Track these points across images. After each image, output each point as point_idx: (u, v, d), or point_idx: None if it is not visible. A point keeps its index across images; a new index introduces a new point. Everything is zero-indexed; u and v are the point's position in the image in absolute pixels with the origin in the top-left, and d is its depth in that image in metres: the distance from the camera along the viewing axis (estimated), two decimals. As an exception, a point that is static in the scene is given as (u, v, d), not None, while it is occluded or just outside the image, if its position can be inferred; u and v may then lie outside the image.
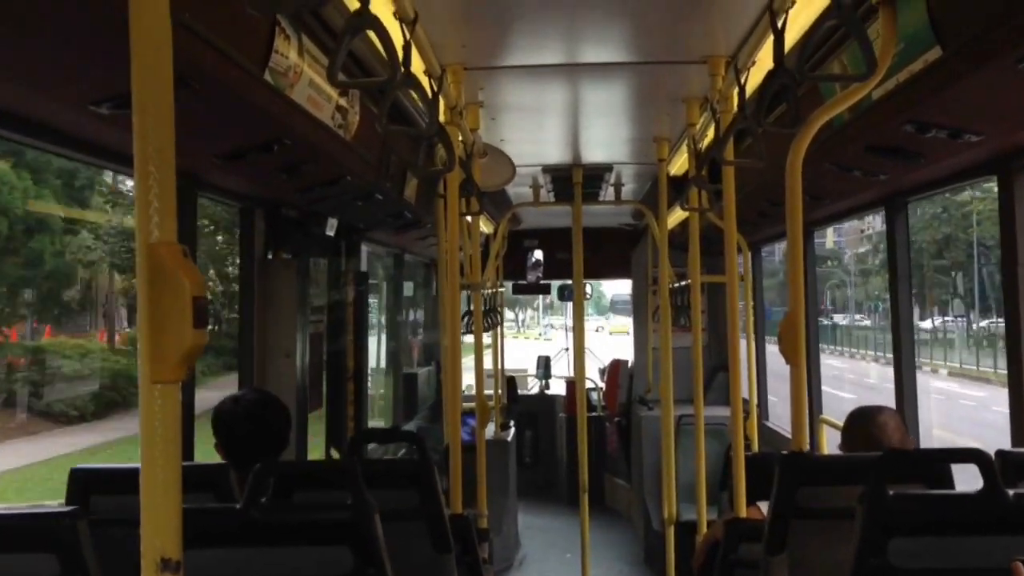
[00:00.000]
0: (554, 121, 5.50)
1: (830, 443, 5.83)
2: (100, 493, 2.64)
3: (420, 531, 2.99)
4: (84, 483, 2.66)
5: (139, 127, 1.18)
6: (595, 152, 6.41)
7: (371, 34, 2.32)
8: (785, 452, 2.88)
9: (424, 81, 3.40)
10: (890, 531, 2.00)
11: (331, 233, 5.23)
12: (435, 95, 3.41)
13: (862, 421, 3.18)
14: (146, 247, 1.16)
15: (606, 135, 5.99)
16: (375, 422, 8.15)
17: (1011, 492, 1.99)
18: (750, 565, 3.28)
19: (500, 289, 9.11)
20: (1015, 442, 3.52)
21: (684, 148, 5.15)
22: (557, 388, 11.84)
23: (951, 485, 2.60)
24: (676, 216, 6.73)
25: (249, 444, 3.06)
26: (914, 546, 2.00)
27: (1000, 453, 2.65)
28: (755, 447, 6.38)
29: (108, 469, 2.79)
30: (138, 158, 1.17)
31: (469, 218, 5.22)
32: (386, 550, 2.21)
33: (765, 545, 2.83)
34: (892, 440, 3.16)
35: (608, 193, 7.79)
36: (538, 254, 10.72)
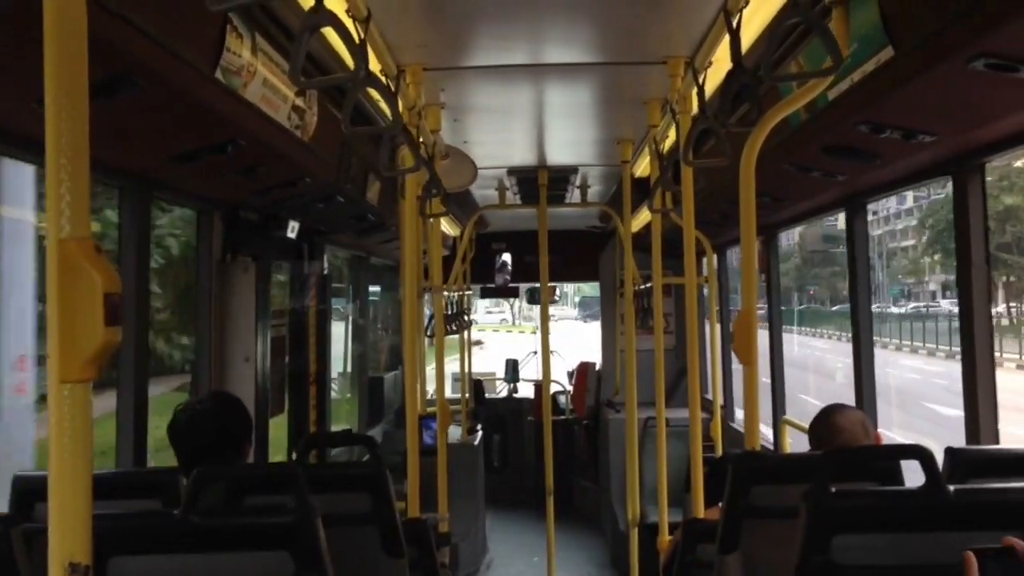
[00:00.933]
0: (518, 123, 5.48)
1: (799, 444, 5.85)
2: (45, 500, 2.59)
3: (372, 536, 2.96)
4: (28, 490, 2.60)
5: (50, 118, 1.14)
6: (560, 154, 6.40)
7: (326, 33, 2.29)
8: (738, 453, 2.88)
9: (384, 81, 3.37)
10: (833, 528, 1.99)
11: (292, 236, 5.19)
12: (394, 95, 3.39)
13: (825, 420, 3.19)
14: (56, 242, 1.13)
15: (571, 137, 5.98)
16: (341, 426, 8.09)
17: (952, 488, 1.99)
18: (708, 565, 3.28)
19: (467, 292, 9.08)
20: (969, 439, 3.54)
21: (647, 150, 5.14)
22: (526, 391, 11.82)
23: (900, 482, 2.61)
24: (641, 218, 6.74)
25: (205, 450, 3.01)
26: (857, 543, 2.00)
27: (949, 451, 2.65)
28: (719, 449, 6.39)
29: None
30: (49, 150, 1.14)
31: (432, 220, 5.19)
32: (330, 555, 2.18)
33: (718, 544, 2.83)
34: (857, 438, 3.16)
35: (574, 195, 7.78)
36: (506, 257, 10.70)
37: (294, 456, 5.78)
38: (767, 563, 2.79)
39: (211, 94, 2.87)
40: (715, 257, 7.10)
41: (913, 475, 2.59)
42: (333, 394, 7.74)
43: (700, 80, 3.46)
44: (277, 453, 5.93)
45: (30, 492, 2.59)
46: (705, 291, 7.37)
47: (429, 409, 5.97)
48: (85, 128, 1.16)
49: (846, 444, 3.09)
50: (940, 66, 2.51)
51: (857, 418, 3.25)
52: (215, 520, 2.07)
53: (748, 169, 2.91)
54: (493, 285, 10.92)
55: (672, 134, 4.50)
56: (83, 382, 1.14)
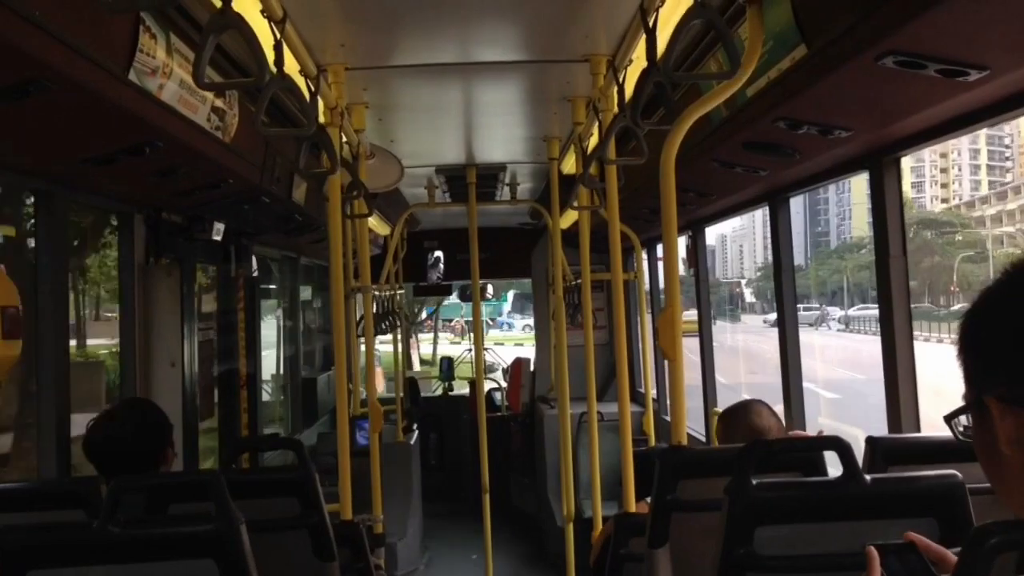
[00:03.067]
0: (445, 121, 5.46)
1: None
2: None
3: (302, 540, 2.94)
4: None
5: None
6: (489, 152, 6.40)
7: (247, 33, 2.26)
8: (664, 447, 2.91)
9: (301, 81, 3.34)
10: (755, 520, 2.03)
11: (218, 238, 5.11)
12: (313, 95, 3.35)
13: (737, 415, 3.25)
14: (-50, 254, 1.10)
15: (499, 135, 5.98)
16: (274, 429, 8.01)
17: (869, 477, 2.04)
18: (639, 559, 3.31)
19: (399, 291, 9.04)
20: (891, 428, 3.63)
21: (573, 147, 5.17)
22: (462, 389, 11.82)
23: (823, 472, 2.66)
24: (571, 215, 6.78)
25: (121, 459, 2.97)
26: (780, 533, 2.04)
27: (870, 440, 2.72)
28: (652, 442, 6.46)
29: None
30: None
31: (359, 220, 5.16)
32: (260, 561, 2.16)
33: (648, 538, 2.86)
34: (770, 430, 3.23)
35: (504, 193, 7.80)
36: (438, 254, 10.68)
37: (222, 461, 5.71)
38: (696, 555, 2.82)
39: (125, 96, 2.82)
40: (643, 252, 7.17)
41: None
42: (266, 397, 7.65)
43: (620, 78, 3.50)
44: (208, 459, 5.85)
45: None
46: (635, 286, 7.44)
47: (363, 409, 5.93)
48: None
49: (767, 435, 3.15)
50: (851, 63, 2.56)
51: (769, 410, 3.32)
52: (135, 530, 2.03)
53: (668, 166, 2.95)
54: (426, 283, 10.90)
55: (596, 132, 4.54)
56: (-20, 397, 1.11)
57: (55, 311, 3.68)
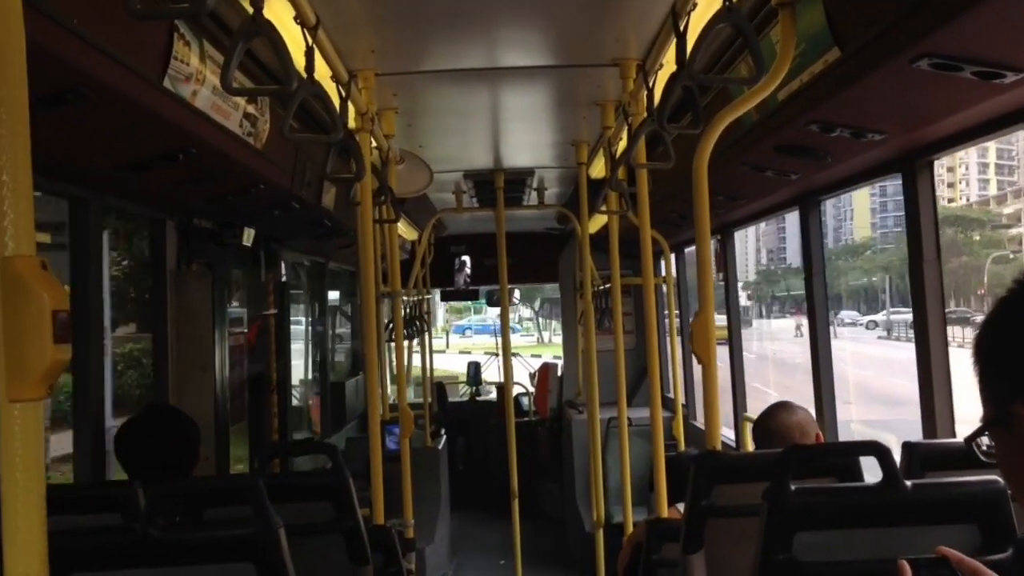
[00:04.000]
0: (474, 126, 5.48)
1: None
2: None
3: (337, 545, 2.95)
4: None
5: (-9, 134, 1.12)
6: (516, 156, 6.41)
7: (278, 40, 2.28)
8: (697, 451, 2.90)
9: (332, 87, 3.36)
10: (794, 525, 2.02)
11: (248, 243, 5.14)
12: (344, 101, 3.37)
13: (770, 418, 3.23)
14: (1, 261, 1.11)
15: (527, 139, 5.99)
16: (302, 434, 8.04)
17: (909, 483, 2.02)
18: (672, 565, 3.29)
19: (427, 296, 9.06)
20: (926, 433, 3.60)
21: (602, 151, 5.17)
22: (489, 393, 11.82)
23: (860, 478, 2.64)
24: (599, 219, 6.77)
25: (150, 464, 3.00)
26: (819, 539, 2.03)
27: (907, 445, 2.70)
28: (681, 447, 6.43)
29: None
30: (-9, 167, 1.12)
31: (388, 225, 5.18)
32: (294, 565, 2.17)
33: (682, 544, 2.85)
34: (807, 434, 3.21)
35: (531, 197, 7.80)
36: (465, 259, 10.70)
37: (256, 466, 5.74)
38: (731, 561, 2.81)
39: (160, 103, 2.84)
40: (672, 257, 7.15)
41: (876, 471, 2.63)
42: (295, 401, 7.69)
43: (650, 83, 3.49)
44: (238, 463, 5.88)
45: None
46: (664, 291, 7.42)
47: (392, 414, 5.94)
48: (27, 144, 1.14)
49: (801, 440, 3.13)
50: (885, 66, 2.55)
51: (801, 416, 3.29)
52: (175, 534, 2.05)
53: (700, 170, 2.94)
54: (453, 288, 10.91)
55: (625, 136, 4.53)
56: (34, 401, 1.12)
57: (89, 316, 3.72)
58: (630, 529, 4.96)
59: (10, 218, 1.11)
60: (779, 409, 3.26)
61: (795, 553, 2.03)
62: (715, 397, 2.90)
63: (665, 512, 3.74)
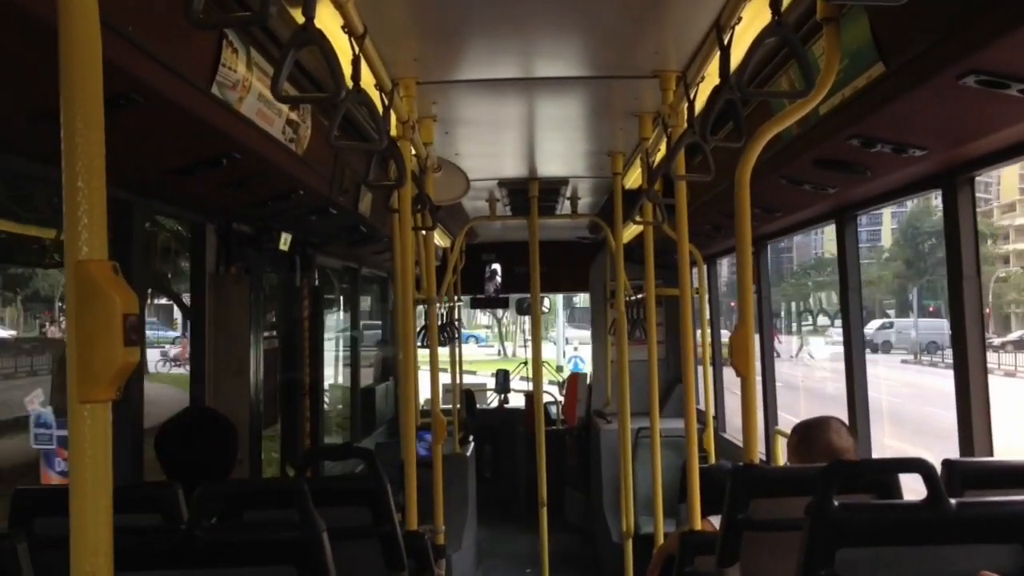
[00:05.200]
0: (510, 135, 5.50)
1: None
2: (45, 515, 2.59)
3: (373, 549, 2.97)
4: (28, 505, 2.60)
5: (67, 142, 1.15)
6: (551, 166, 6.42)
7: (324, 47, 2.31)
8: (737, 464, 2.90)
9: (375, 95, 3.39)
10: (837, 541, 2.01)
11: (284, 248, 5.19)
12: (386, 109, 3.40)
13: (816, 431, 3.21)
14: (75, 264, 1.14)
15: (562, 149, 6.00)
16: (332, 438, 8.08)
17: (953, 501, 2.01)
18: None
19: (458, 303, 9.08)
20: (963, 451, 3.57)
21: (639, 162, 5.17)
22: (516, 401, 11.82)
23: (899, 495, 2.63)
24: (632, 229, 6.77)
25: (190, 465, 3.03)
26: (861, 556, 2.02)
27: (947, 463, 2.68)
28: (712, 459, 6.41)
29: (53, 490, 2.73)
30: (66, 174, 1.15)
31: (424, 232, 5.21)
32: (336, 569, 2.19)
33: (718, 557, 2.84)
34: (847, 451, 3.19)
35: (564, 207, 7.81)
36: (496, 267, 10.72)
37: (288, 468, 5.78)
38: (767, 574, 2.80)
39: (208, 109, 2.89)
40: (705, 268, 7.14)
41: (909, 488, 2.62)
42: (325, 405, 7.73)
43: (691, 95, 3.49)
44: (269, 466, 5.92)
45: (29, 507, 2.58)
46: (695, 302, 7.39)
47: (423, 420, 5.96)
48: (102, 151, 1.17)
49: (836, 455, 3.11)
50: (930, 82, 2.54)
51: (846, 428, 3.27)
52: (222, 534, 2.08)
53: (743, 183, 2.94)
54: (483, 295, 10.94)
55: (663, 147, 4.53)
56: (103, 402, 1.15)
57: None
58: (661, 540, 4.96)
59: (84, 223, 1.14)
60: (829, 428, 3.21)
61: (837, 569, 2.03)
62: (753, 410, 2.90)
63: (698, 524, 3.73)
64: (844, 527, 2.01)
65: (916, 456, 2.09)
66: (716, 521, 3.78)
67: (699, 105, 3.38)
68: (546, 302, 14.12)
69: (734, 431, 8.21)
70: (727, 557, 2.83)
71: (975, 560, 2.00)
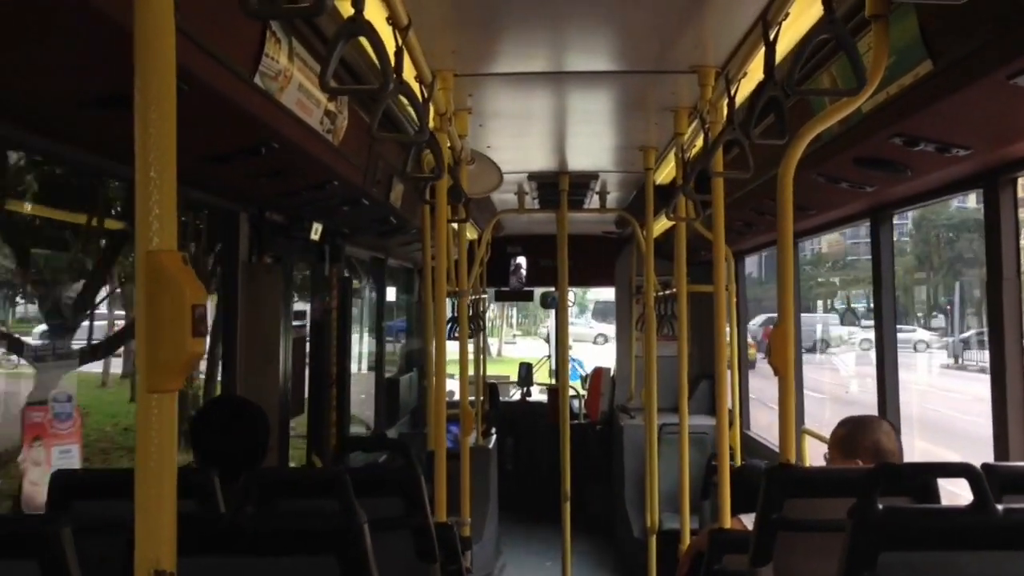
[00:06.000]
0: (541, 128, 5.50)
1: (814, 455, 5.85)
2: (83, 498, 2.61)
3: (405, 539, 2.97)
4: (66, 488, 2.62)
5: (141, 133, 1.16)
6: (581, 160, 6.41)
7: (362, 40, 2.31)
8: (773, 464, 2.88)
9: (414, 87, 3.39)
10: (880, 545, 2.00)
11: (315, 237, 5.20)
12: (425, 101, 3.40)
13: (864, 429, 3.18)
14: (145, 255, 1.14)
15: (593, 143, 5.99)
16: (354, 428, 8.10)
17: (1000, 507, 1.99)
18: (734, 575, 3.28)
19: (483, 296, 9.09)
20: (998, 456, 3.54)
21: (671, 157, 5.15)
22: (539, 395, 11.82)
23: (937, 499, 2.61)
24: (660, 225, 6.75)
25: (226, 453, 3.05)
26: (904, 560, 2.00)
27: (986, 467, 2.65)
28: (737, 457, 6.39)
29: (92, 473, 2.75)
30: (139, 164, 1.16)
31: (455, 224, 5.21)
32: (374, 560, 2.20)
33: (751, 557, 2.83)
34: (894, 453, 3.16)
35: (593, 201, 7.79)
36: (521, 260, 10.71)
37: (313, 458, 5.80)
38: (800, 575, 2.79)
39: (250, 99, 2.89)
40: (734, 265, 7.10)
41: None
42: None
43: (732, 91, 3.47)
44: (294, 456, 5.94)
45: (69, 489, 2.61)
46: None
47: (449, 412, 5.95)
48: (173, 143, 1.17)
49: (880, 456, 3.09)
50: (979, 81, 2.51)
51: (893, 431, 3.25)
52: (264, 523, 2.08)
53: (786, 182, 2.92)
54: (508, 288, 10.93)
55: (699, 142, 4.51)
56: (170, 392, 1.15)
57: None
58: (687, 537, 4.95)
59: (155, 214, 1.14)
60: (879, 429, 3.19)
61: (879, 572, 2.01)
62: (791, 409, 2.88)
63: (728, 522, 3.72)
64: (888, 530, 2.00)
65: (963, 461, 2.08)
66: (745, 519, 3.77)
67: (738, 100, 3.36)
68: (571, 296, 14.10)
69: (757, 429, 8.19)
70: (761, 556, 2.81)
71: (1020, 568, 1.98)
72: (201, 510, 2.65)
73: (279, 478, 2.67)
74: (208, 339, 3.49)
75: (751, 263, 10.09)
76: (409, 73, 3.33)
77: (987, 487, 1.98)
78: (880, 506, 2.01)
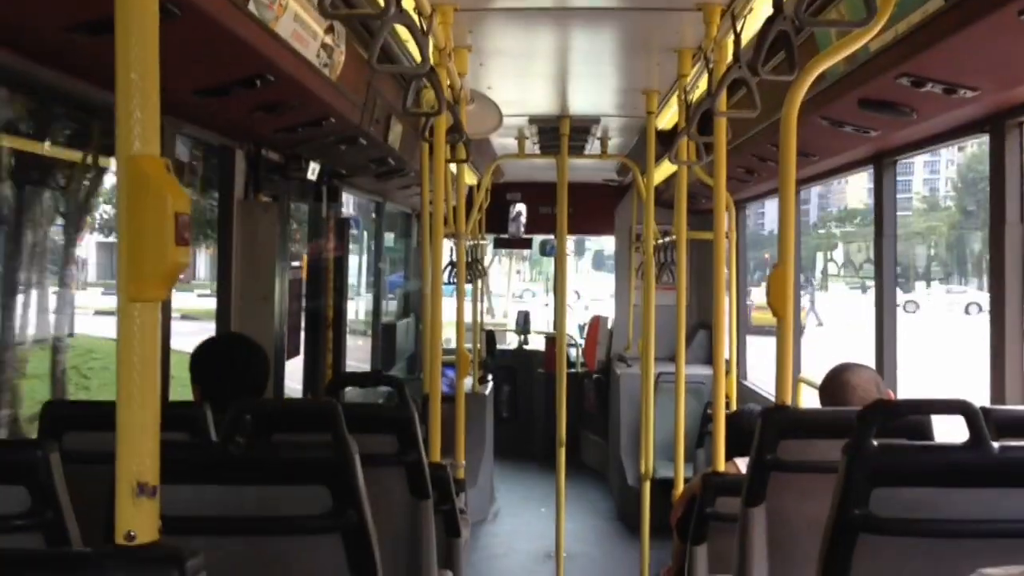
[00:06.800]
0: (542, 69, 5.41)
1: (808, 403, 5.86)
2: (75, 429, 2.59)
3: (398, 477, 2.97)
4: (58, 418, 2.61)
5: (120, 32, 1.11)
6: (583, 103, 6.33)
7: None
8: (768, 406, 2.87)
9: (415, 20, 3.32)
10: (874, 481, 1.99)
11: (312, 177, 5.15)
12: (424, 34, 3.33)
13: (838, 378, 3.19)
14: (127, 160, 1.11)
15: (594, 86, 5.91)
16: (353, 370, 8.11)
17: (996, 445, 1.98)
18: (725, 518, 3.29)
19: (483, 241, 9.04)
20: (994, 399, 3.54)
21: (673, 101, 5.08)
22: (536, 343, 11.83)
23: (931, 438, 2.60)
24: (662, 171, 6.68)
25: (226, 386, 3.04)
26: (897, 496, 2.00)
27: (984, 409, 2.64)
28: (733, 405, 6.39)
29: (84, 404, 2.74)
30: (119, 65, 1.11)
31: (454, 166, 5.15)
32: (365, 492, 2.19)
33: (744, 496, 2.83)
34: (870, 395, 3.16)
35: (594, 146, 7.71)
36: (520, 207, 10.66)
37: (309, 398, 5.80)
38: (792, 516, 2.79)
39: (244, 27, 2.83)
40: (735, 212, 7.06)
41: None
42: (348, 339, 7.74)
43: (738, 28, 3.40)
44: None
45: (61, 419, 2.59)
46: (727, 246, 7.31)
47: (445, 357, 5.94)
48: (155, 43, 1.13)
49: (860, 402, 3.09)
50: (990, 17, 2.46)
51: (869, 376, 3.25)
52: (255, 452, 2.07)
53: (789, 121, 2.87)
54: (507, 235, 10.89)
55: (702, 84, 4.44)
56: (152, 301, 1.12)
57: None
58: (680, 483, 4.96)
59: (136, 117, 1.10)
60: (845, 368, 3.21)
61: (872, 509, 2.01)
62: (788, 352, 2.86)
63: (722, 466, 3.72)
64: (882, 466, 1.99)
65: (959, 399, 2.06)
66: (740, 463, 3.77)
67: (744, 40, 3.30)
68: (570, 244, 14.06)
69: (755, 379, 8.21)
70: (754, 497, 2.82)
71: (1015, 505, 1.97)
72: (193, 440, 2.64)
73: (271, 409, 2.65)
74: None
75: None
76: (407, 6, 3.26)
77: (983, 424, 1.97)
78: (875, 442, 2.00)
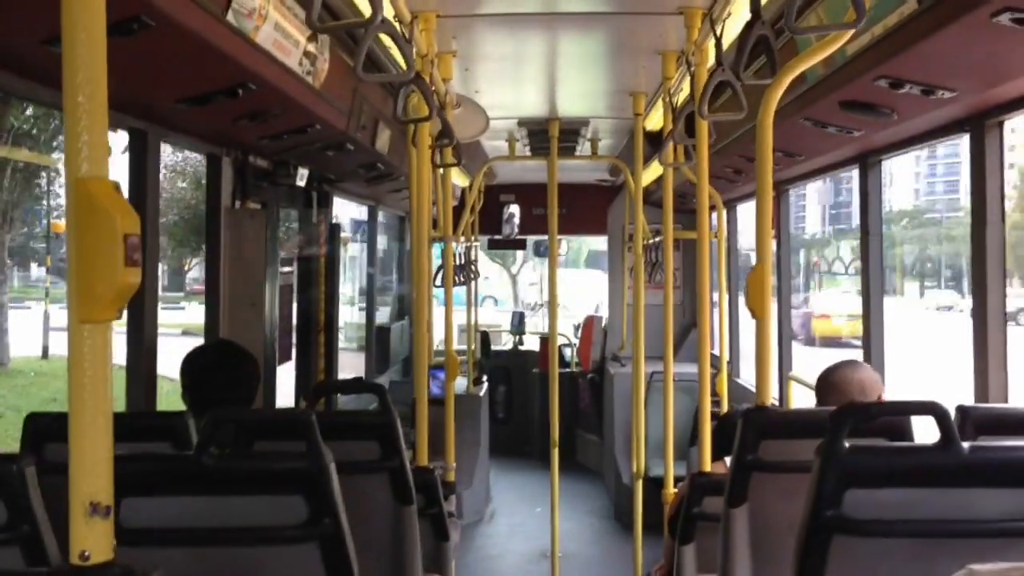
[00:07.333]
0: (530, 73, 5.43)
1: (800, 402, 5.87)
2: (56, 441, 2.60)
3: (381, 483, 2.98)
4: (39, 430, 2.61)
5: (68, 54, 1.12)
6: (572, 106, 6.34)
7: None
8: (749, 406, 2.88)
9: (398, 28, 3.33)
10: (846, 482, 2.00)
11: (301, 183, 5.16)
12: (407, 43, 3.34)
13: (832, 372, 3.20)
14: (76, 182, 1.12)
15: (583, 88, 5.92)
16: (347, 376, 8.13)
17: (966, 445, 1.99)
18: (713, 518, 3.30)
19: (475, 243, 9.05)
20: (978, 398, 3.55)
21: (660, 103, 5.10)
22: (531, 343, 11.84)
23: (911, 438, 2.61)
24: (651, 172, 6.70)
25: (216, 394, 3.05)
26: (871, 498, 2.01)
27: (960, 408, 2.65)
28: (725, 404, 6.40)
29: (65, 417, 2.74)
30: (67, 88, 1.12)
31: (443, 170, 5.16)
32: (344, 502, 2.19)
33: (726, 497, 2.85)
34: (852, 396, 3.17)
35: (584, 148, 7.72)
36: (513, 209, 10.67)
37: (300, 403, 5.82)
38: (774, 516, 2.80)
39: (223, 37, 2.84)
40: (724, 212, 7.07)
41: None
42: (341, 343, 7.75)
43: (718, 32, 3.42)
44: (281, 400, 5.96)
45: (42, 432, 2.60)
46: (715, 246, 7.33)
47: (437, 359, 5.96)
48: (103, 66, 1.14)
49: (842, 401, 3.10)
50: (963, 19, 2.47)
51: (859, 376, 3.25)
52: (229, 462, 2.08)
53: (765, 123, 2.88)
54: (500, 237, 10.90)
55: (686, 87, 4.46)
56: (102, 323, 1.13)
57: (145, 247, 3.76)
58: (671, 482, 4.97)
59: (84, 139, 1.11)
60: (844, 365, 3.23)
61: (845, 510, 2.02)
62: (768, 352, 2.88)
63: (708, 466, 3.73)
64: (854, 468, 2.00)
65: (929, 400, 2.07)
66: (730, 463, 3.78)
67: (725, 43, 3.31)
68: (564, 245, 14.06)
69: (749, 378, 8.22)
70: (736, 497, 2.83)
71: (987, 504, 1.98)
72: (173, 452, 2.65)
73: (242, 419, 2.66)
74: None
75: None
76: (388, 13, 3.27)
77: (952, 425, 1.98)
78: (847, 444, 2.01)
